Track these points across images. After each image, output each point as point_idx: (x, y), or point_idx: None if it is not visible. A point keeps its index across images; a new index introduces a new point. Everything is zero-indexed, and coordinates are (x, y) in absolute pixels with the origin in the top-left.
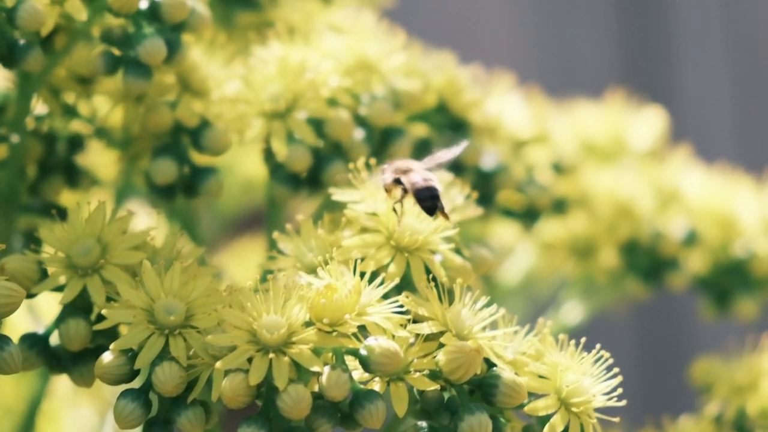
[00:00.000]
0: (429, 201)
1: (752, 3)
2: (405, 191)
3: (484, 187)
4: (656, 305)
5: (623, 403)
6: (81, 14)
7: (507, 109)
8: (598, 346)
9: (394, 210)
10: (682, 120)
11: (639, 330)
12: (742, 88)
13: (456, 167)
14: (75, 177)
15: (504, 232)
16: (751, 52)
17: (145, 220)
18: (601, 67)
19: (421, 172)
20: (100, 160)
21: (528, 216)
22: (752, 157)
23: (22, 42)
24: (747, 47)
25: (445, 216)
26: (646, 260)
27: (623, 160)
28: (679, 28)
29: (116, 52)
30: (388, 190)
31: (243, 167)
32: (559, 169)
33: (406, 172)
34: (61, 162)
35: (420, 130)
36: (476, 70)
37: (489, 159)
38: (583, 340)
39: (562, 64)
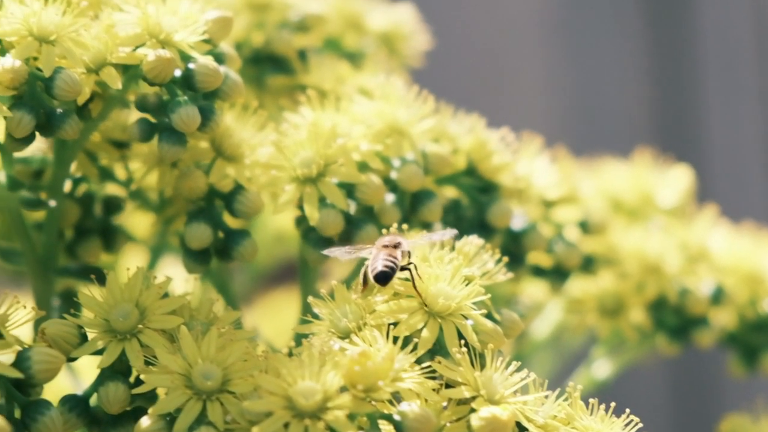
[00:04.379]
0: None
1: None
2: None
3: (514, 247)
4: (688, 360)
5: None
6: (116, 83)
7: (536, 171)
8: (627, 410)
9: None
10: (711, 176)
11: (670, 384)
12: None
13: (486, 229)
14: (111, 239)
15: (534, 288)
16: None
17: (180, 280)
18: (631, 118)
19: (383, 254)
20: (134, 220)
21: (557, 275)
22: None
23: (59, 110)
24: None
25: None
26: (675, 318)
27: (651, 218)
28: (711, 82)
29: (151, 119)
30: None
31: (274, 220)
32: (587, 227)
33: (382, 249)
34: (97, 224)
35: (450, 192)
36: (505, 133)
37: (518, 220)
38: (613, 404)
39: (591, 117)
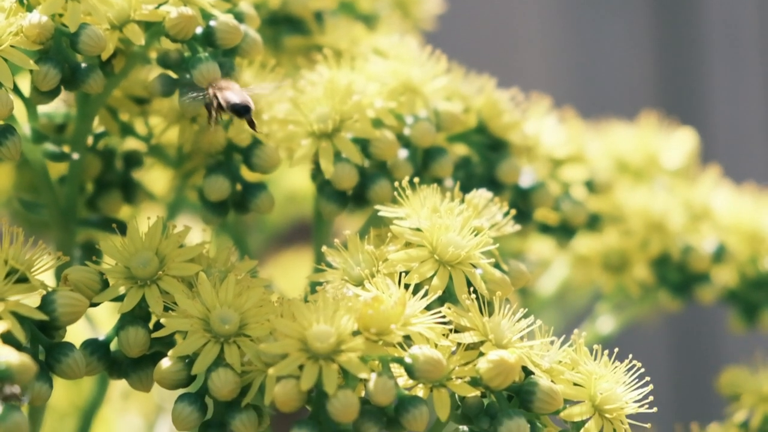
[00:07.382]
0: (244, 113)
1: None
2: (221, 106)
3: (523, 203)
4: (688, 316)
5: (654, 410)
6: (139, 39)
7: (544, 130)
8: (630, 356)
9: (210, 122)
10: (713, 139)
11: (671, 340)
12: None
13: (496, 185)
14: (131, 192)
15: (541, 246)
16: None
17: (197, 233)
18: (635, 85)
19: (237, 91)
20: (153, 175)
21: (564, 232)
22: None
23: (83, 65)
24: None
25: (254, 127)
26: (678, 274)
27: (656, 179)
28: (713, 51)
29: (172, 74)
30: (208, 106)
31: (287, 180)
32: (593, 186)
33: (223, 89)
34: (118, 178)
35: (460, 149)
36: (515, 93)
37: (527, 177)
38: (616, 350)
39: (596, 84)
